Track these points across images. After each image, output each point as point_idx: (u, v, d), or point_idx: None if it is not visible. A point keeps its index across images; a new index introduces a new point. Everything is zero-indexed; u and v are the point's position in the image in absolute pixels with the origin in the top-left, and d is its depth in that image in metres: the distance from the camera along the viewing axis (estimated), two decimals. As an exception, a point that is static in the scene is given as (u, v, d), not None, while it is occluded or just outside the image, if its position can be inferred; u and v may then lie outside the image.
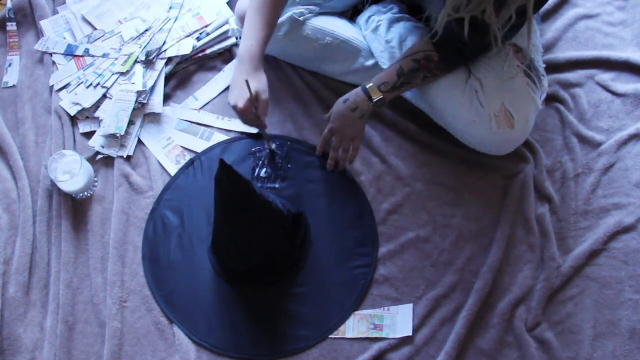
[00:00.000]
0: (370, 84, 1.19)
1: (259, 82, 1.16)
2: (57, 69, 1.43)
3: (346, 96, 1.21)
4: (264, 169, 1.29)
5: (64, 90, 1.39)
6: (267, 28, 1.17)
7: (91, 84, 1.39)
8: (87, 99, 1.37)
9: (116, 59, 1.42)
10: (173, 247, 1.23)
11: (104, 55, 1.43)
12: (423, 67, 1.15)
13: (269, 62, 1.41)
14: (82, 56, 1.44)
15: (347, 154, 1.26)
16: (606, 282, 1.18)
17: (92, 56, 1.43)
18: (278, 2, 1.18)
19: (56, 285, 1.20)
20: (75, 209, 1.28)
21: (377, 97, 1.18)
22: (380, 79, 1.18)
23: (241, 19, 1.34)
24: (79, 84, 1.39)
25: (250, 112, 1.16)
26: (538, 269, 1.19)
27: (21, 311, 1.18)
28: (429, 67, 1.15)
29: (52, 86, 1.40)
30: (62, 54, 1.44)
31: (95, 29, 1.47)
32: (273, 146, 1.29)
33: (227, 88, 1.41)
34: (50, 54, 1.44)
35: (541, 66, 1.23)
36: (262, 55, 1.17)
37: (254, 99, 1.15)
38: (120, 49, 1.43)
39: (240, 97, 1.15)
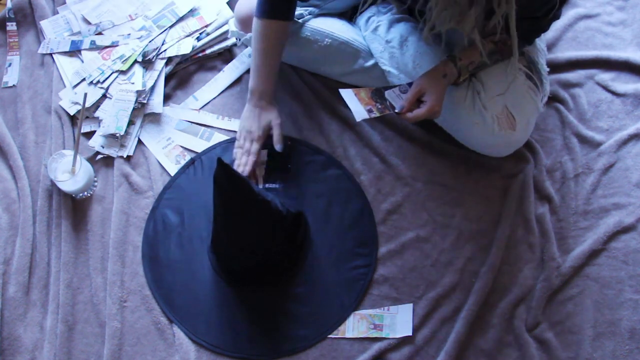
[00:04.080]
0: (462, 62, 1.13)
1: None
2: (57, 68, 1.42)
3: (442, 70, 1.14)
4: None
5: (84, 83, 1.39)
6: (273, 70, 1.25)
7: (92, 81, 1.39)
8: (87, 98, 1.37)
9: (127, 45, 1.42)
10: (173, 246, 1.23)
11: (113, 44, 1.43)
12: (500, 50, 1.13)
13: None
14: (109, 47, 1.43)
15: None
16: (606, 282, 1.18)
17: (100, 47, 1.43)
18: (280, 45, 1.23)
19: (56, 285, 1.20)
20: (75, 209, 1.28)
21: (464, 77, 1.15)
22: (466, 57, 1.13)
23: (240, 22, 1.34)
24: (101, 78, 1.39)
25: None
26: (538, 269, 1.19)
27: (21, 311, 1.18)
28: (503, 50, 1.13)
29: (53, 86, 1.40)
30: (67, 52, 1.44)
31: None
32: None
33: (227, 88, 1.41)
34: (51, 55, 1.44)
35: (544, 69, 1.23)
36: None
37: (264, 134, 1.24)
38: (129, 35, 1.43)
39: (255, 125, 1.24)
